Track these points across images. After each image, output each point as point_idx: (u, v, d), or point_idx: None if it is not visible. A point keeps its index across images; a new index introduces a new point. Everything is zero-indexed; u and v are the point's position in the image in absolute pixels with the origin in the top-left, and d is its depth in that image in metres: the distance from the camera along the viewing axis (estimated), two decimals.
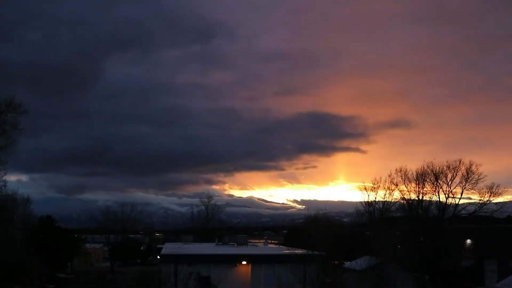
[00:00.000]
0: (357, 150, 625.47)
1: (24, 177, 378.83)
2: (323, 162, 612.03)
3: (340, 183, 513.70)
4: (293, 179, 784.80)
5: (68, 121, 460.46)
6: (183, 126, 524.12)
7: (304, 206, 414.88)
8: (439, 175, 52.79)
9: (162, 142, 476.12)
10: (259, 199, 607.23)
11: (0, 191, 47.22)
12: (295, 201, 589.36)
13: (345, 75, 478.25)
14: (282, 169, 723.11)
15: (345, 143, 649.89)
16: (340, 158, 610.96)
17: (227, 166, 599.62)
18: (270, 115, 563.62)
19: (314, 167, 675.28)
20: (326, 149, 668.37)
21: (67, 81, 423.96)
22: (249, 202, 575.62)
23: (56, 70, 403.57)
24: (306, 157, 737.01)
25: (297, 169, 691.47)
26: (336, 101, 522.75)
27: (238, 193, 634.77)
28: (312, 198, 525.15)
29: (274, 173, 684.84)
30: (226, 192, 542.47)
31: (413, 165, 69.79)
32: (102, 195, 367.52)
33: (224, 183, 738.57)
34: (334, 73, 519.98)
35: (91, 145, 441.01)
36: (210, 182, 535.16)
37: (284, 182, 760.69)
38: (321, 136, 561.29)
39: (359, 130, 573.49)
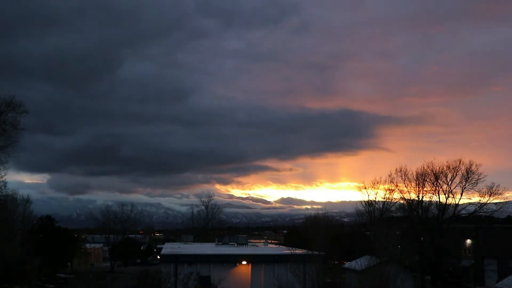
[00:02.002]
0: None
1: (24, 177, 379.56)
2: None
3: (343, 184, 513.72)
4: (307, 179, 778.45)
5: (73, 120, 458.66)
6: (205, 126, 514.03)
7: (304, 206, 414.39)
8: (439, 175, 52.73)
9: (170, 142, 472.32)
10: (259, 199, 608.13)
11: (0, 191, 47.12)
12: (292, 200, 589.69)
13: None
14: (296, 170, 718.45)
15: None
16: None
17: (247, 165, 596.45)
18: (302, 112, 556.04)
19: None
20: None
21: (77, 76, 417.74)
22: (249, 202, 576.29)
23: (73, 64, 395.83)
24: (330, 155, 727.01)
25: (309, 169, 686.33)
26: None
27: (238, 192, 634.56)
28: (312, 199, 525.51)
29: (288, 173, 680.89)
30: (227, 192, 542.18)
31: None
32: (102, 195, 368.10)
33: (237, 183, 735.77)
34: None
35: (94, 145, 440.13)
36: (220, 182, 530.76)
37: (280, 182, 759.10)
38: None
39: None
